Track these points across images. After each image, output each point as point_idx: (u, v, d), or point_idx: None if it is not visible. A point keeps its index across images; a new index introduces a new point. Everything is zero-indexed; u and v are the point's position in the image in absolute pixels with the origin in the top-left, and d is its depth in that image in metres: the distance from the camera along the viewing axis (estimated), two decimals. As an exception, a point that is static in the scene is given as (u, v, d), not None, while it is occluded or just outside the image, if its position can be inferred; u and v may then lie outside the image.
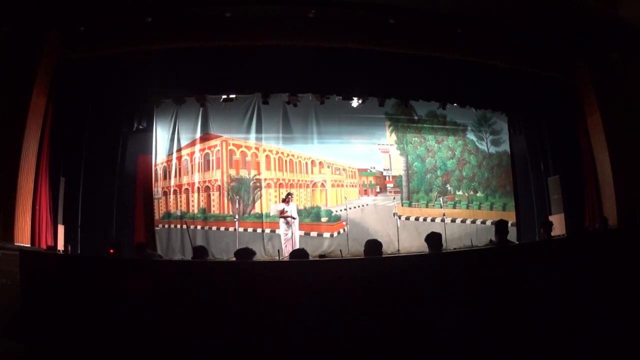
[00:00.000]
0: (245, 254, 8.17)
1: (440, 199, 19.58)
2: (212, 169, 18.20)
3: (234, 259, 10.97)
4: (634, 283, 6.45)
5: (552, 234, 12.72)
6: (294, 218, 16.70)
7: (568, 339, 6.03)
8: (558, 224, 16.00)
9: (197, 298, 5.80)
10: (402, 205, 19.50)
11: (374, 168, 19.65)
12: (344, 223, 18.15)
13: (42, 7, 13.04)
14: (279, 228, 17.40)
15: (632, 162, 16.11)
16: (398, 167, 19.87)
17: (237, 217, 17.18)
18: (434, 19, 15.49)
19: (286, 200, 16.86)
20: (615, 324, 6.17)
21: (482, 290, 6.17)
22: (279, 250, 15.61)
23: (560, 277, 6.35)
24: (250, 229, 17.97)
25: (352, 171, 19.41)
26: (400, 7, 14.95)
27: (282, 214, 16.71)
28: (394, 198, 19.47)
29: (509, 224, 12.11)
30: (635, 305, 6.34)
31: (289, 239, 16.62)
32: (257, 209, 18.14)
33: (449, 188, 20.17)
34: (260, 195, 18.25)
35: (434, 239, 8.72)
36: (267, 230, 17.99)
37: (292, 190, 18.13)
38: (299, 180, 18.79)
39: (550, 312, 6.16)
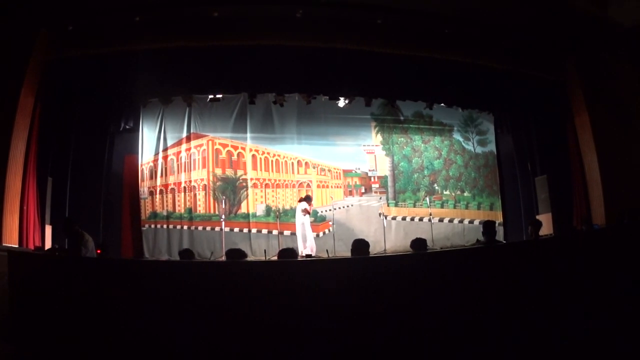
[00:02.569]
0: (236, 254, 8.20)
1: (428, 198, 19.67)
2: (198, 168, 18.15)
3: (222, 258, 10.92)
4: (622, 282, 6.49)
5: (540, 233, 12.79)
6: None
7: (553, 338, 6.07)
8: (545, 224, 16.04)
9: (187, 298, 5.81)
10: (388, 206, 19.57)
11: (359, 169, 19.70)
12: (330, 223, 18.20)
13: (32, 6, 13.00)
14: (264, 228, 17.60)
15: (620, 162, 16.20)
16: (383, 167, 19.93)
17: (223, 217, 17.16)
18: (422, 19, 15.50)
19: (306, 199, 17.12)
20: (601, 323, 6.21)
21: (469, 289, 6.20)
22: (265, 250, 15.59)
23: (548, 276, 6.39)
24: (236, 229, 17.95)
25: (337, 172, 19.45)
26: (388, 7, 14.96)
27: (306, 212, 16.90)
28: (380, 198, 19.53)
29: (497, 224, 12.19)
30: (622, 303, 6.38)
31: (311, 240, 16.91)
32: (243, 209, 18.14)
33: (436, 188, 20.24)
34: (247, 195, 18.24)
35: (419, 245, 8.80)
36: (254, 230, 18.00)
37: (279, 191, 18.26)
38: (284, 181, 18.80)
39: (536, 311, 6.20)
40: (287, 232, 17.86)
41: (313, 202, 17.88)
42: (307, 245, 16.56)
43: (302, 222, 16.78)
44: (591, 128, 16.77)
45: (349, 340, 5.78)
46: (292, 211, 18.15)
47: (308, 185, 18.87)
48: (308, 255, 15.69)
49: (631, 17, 15.00)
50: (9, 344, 6.27)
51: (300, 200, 17.30)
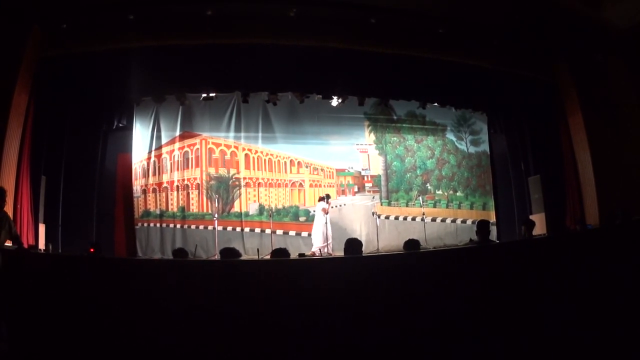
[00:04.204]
0: (231, 253, 8.22)
1: (420, 198, 19.69)
2: (192, 167, 18.09)
3: (215, 257, 10.87)
4: (615, 281, 6.51)
5: (533, 233, 12.81)
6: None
7: (546, 337, 6.08)
8: (538, 224, 16.06)
9: (181, 297, 5.81)
10: (382, 205, 19.57)
11: (352, 168, 19.67)
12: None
13: (25, 4, 12.96)
14: (257, 227, 17.64)
15: (613, 162, 16.25)
16: (377, 166, 19.91)
17: (216, 215, 17.11)
18: (415, 19, 15.52)
19: (324, 199, 17.16)
20: (594, 322, 6.23)
21: (463, 288, 6.21)
22: (258, 249, 15.55)
23: (541, 276, 6.40)
24: (229, 228, 17.92)
25: (330, 171, 19.42)
26: (382, 7, 14.99)
27: (325, 212, 17.00)
28: (373, 197, 19.53)
29: (490, 223, 12.20)
30: (615, 302, 6.40)
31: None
32: (236, 208, 18.11)
33: (429, 187, 20.24)
34: (240, 194, 18.21)
35: (412, 247, 8.85)
36: (247, 230, 17.96)
37: (272, 190, 18.27)
38: (277, 180, 18.76)
39: (530, 310, 6.21)
40: (279, 232, 17.87)
41: (305, 201, 17.95)
42: (329, 243, 16.70)
43: (324, 222, 16.85)
44: (585, 128, 16.81)
45: (342, 339, 5.78)
46: (285, 210, 18.24)
47: (301, 185, 18.85)
48: (301, 255, 15.72)
49: (625, 18, 15.04)
50: (3, 343, 6.26)
51: (320, 199, 17.35)
